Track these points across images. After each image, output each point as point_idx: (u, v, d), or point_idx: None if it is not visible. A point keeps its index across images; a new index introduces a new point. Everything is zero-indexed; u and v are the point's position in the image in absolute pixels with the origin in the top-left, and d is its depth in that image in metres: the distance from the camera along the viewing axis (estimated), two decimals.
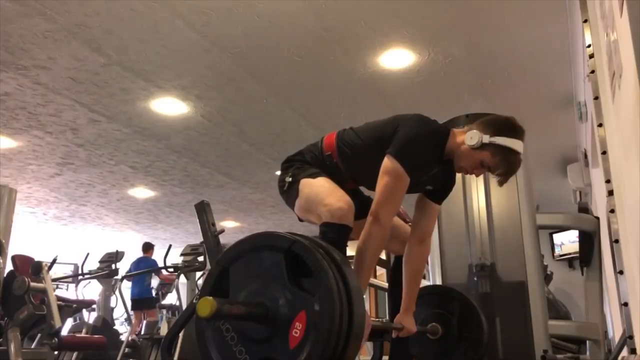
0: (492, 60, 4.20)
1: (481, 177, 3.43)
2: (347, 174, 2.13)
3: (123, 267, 7.02)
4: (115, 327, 6.77)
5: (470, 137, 1.99)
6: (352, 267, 1.88)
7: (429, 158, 2.03)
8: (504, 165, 1.98)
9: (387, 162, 1.95)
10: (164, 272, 7.18)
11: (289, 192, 2.12)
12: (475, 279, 3.23)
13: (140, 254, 7.96)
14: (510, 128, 2.01)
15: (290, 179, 2.11)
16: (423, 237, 2.22)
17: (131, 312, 7.27)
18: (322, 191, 2.00)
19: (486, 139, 1.96)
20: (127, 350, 5.35)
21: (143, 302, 7.46)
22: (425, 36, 3.88)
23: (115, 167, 6.43)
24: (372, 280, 4.14)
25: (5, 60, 4.08)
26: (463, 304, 2.50)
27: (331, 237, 1.82)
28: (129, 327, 7.05)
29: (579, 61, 3.96)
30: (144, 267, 7.43)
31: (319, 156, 2.16)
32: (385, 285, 4.69)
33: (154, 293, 7.59)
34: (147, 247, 7.97)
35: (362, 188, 2.27)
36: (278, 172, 2.22)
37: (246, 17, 3.63)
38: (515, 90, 4.60)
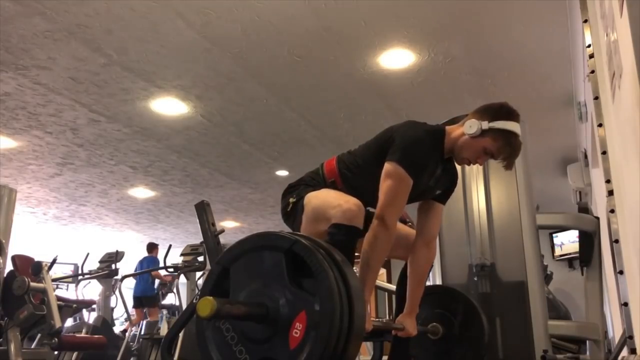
0: (492, 60, 4.21)
1: (481, 177, 3.44)
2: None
3: (123, 267, 7.03)
4: (115, 332, 6.76)
5: (469, 126, 2.00)
6: (358, 271, 1.86)
7: (430, 158, 2.02)
8: (507, 148, 1.98)
9: (388, 166, 1.94)
10: (161, 272, 7.22)
11: (294, 212, 2.08)
12: (475, 279, 3.23)
13: (140, 253, 7.98)
14: (506, 112, 2.01)
15: (295, 199, 2.09)
16: (429, 240, 2.20)
17: (131, 312, 7.26)
18: (329, 198, 1.98)
19: (485, 125, 1.97)
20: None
21: (144, 299, 7.47)
22: (425, 36, 3.88)
23: (115, 167, 6.43)
24: None
25: (5, 60, 4.08)
26: (464, 304, 2.49)
27: (340, 239, 1.78)
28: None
29: (579, 61, 3.96)
30: (148, 266, 7.45)
31: (322, 183, 2.13)
32: (386, 285, 4.70)
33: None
34: (152, 247, 8.02)
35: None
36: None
37: (246, 17, 3.63)
38: (515, 90, 4.59)
